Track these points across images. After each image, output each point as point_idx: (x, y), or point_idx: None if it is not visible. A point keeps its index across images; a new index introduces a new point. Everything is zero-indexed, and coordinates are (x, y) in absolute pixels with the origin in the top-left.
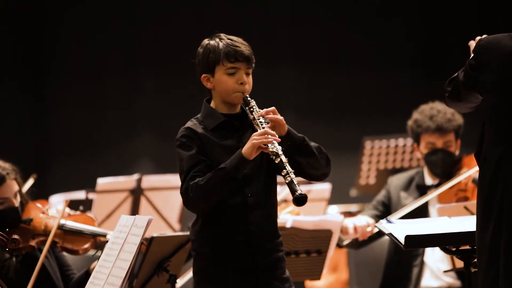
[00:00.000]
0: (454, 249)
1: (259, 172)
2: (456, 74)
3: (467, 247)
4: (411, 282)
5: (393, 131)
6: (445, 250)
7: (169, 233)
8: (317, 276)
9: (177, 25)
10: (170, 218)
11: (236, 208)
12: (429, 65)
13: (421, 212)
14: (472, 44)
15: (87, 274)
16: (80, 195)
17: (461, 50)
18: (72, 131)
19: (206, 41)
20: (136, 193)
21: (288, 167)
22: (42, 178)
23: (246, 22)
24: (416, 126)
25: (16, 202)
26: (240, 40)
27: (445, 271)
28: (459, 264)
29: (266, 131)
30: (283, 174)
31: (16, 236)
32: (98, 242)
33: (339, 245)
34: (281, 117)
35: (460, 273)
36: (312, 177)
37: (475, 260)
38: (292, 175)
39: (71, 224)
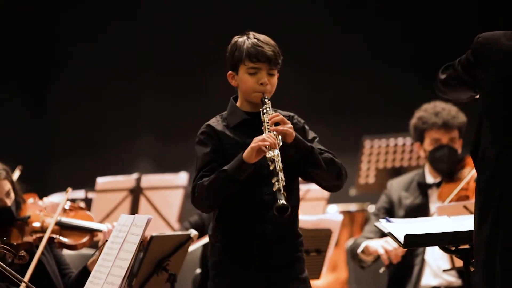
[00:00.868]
0: (453, 248)
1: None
2: (452, 62)
3: (467, 246)
4: (411, 281)
5: (392, 131)
6: (445, 249)
7: (169, 232)
8: (316, 275)
9: (177, 25)
10: (170, 217)
11: (253, 206)
12: (429, 66)
13: (422, 210)
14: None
15: (85, 270)
16: (79, 194)
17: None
18: (72, 131)
19: (235, 38)
20: (136, 192)
21: (280, 175)
22: (42, 177)
23: (246, 22)
24: (421, 123)
25: (9, 201)
26: (267, 40)
27: (444, 270)
28: (459, 263)
29: (267, 136)
30: (273, 181)
31: (23, 253)
32: (96, 238)
33: (362, 267)
34: (288, 127)
35: (460, 272)
36: (323, 187)
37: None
38: (281, 184)
39: (68, 220)
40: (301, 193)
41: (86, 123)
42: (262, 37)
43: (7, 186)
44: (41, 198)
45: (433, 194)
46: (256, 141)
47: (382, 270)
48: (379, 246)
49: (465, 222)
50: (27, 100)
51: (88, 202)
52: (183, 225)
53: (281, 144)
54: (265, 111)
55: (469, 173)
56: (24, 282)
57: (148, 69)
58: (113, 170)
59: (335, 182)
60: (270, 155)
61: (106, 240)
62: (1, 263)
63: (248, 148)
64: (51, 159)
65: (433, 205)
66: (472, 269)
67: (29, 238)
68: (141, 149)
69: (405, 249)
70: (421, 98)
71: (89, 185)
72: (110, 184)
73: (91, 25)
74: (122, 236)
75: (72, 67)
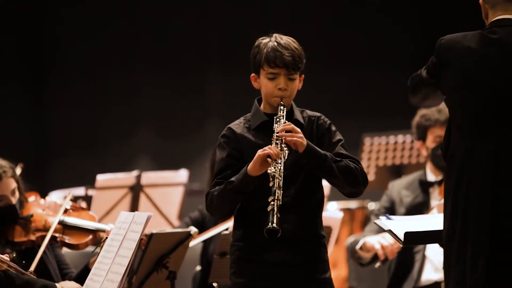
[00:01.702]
0: None
1: (298, 174)
2: (418, 71)
3: None
4: (412, 277)
5: (392, 128)
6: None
7: (169, 229)
8: None
9: (177, 24)
10: (170, 214)
11: None
12: (426, 63)
13: (423, 208)
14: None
15: (86, 269)
16: (79, 191)
17: None
18: (71, 129)
19: (259, 40)
20: (136, 189)
21: (277, 194)
22: (42, 174)
23: (245, 21)
24: (424, 120)
25: (14, 199)
26: (287, 43)
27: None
28: None
29: (269, 147)
30: (269, 199)
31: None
32: (98, 238)
33: (362, 264)
34: (298, 136)
35: None
36: (342, 193)
37: None
38: (276, 204)
39: (71, 220)
40: None
41: (86, 122)
42: (284, 40)
43: (13, 184)
44: (42, 196)
45: (435, 192)
46: (258, 153)
47: (377, 265)
48: (376, 241)
49: None
50: (27, 99)
51: (88, 199)
52: (183, 220)
53: (286, 156)
54: (277, 119)
55: None
56: (27, 274)
57: (147, 68)
58: (113, 168)
59: (351, 190)
60: (271, 171)
61: (106, 238)
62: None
63: (252, 161)
64: (51, 157)
65: (435, 204)
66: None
67: (31, 237)
68: (140, 147)
69: (400, 246)
70: None
71: (89, 182)
72: (110, 182)
73: (90, 24)
74: (122, 233)
75: (71, 65)
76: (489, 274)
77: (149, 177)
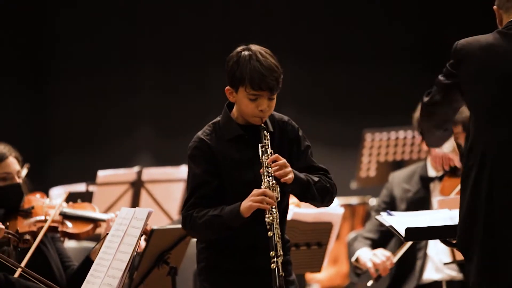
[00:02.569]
0: (454, 241)
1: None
2: (427, 92)
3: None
4: (414, 275)
5: (393, 124)
6: (445, 242)
7: (170, 225)
8: (317, 268)
9: (177, 21)
10: (171, 210)
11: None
12: (429, 58)
13: (424, 204)
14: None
15: (87, 261)
16: (80, 187)
17: None
18: (72, 126)
19: (238, 50)
20: (137, 185)
21: (279, 250)
22: (42, 171)
23: (246, 18)
24: None
25: (19, 181)
26: (270, 65)
27: (445, 263)
28: (460, 256)
29: (265, 192)
30: (271, 254)
31: (27, 237)
32: (98, 233)
33: (358, 274)
34: (287, 171)
35: (460, 265)
36: (314, 205)
37: None
38: (279, 260)
39: (71, 210)
40: None
41: (86, 118)
42: (264, 59)
43: (17, 166)
44: (43, 193)
45: (435, 187)
46: (255, 200)
47: (369, 283)
48: (368, 259)
49: None
50: (28, 95)
51: (89, 195)
52: (180, 218)
53: (279, 198)
54: (263, 149)
55: None
56: (21, 267)
57: (148, 64)
58: (114, 165)
59: (325, 205)
60: (268, 219)
61: (107, 234)
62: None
63: (247, 205)
64: (52, 154)
65: (435, 199)
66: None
67: (32, 228)
68: (141, 144)
69: (394, 262)
70: (422, 91)
71: (89, 178)
72: (111, 177)
73: (91, 20)
74: (123, 229)
75: (72, 62)
76: None
77: (150, 173)
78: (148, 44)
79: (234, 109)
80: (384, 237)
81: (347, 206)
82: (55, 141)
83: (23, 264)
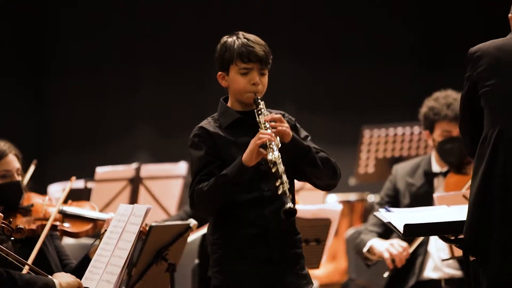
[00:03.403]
0: (453, 238)
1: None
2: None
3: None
4: (414, 272)
5: (391, 120)
6: (444, 238)
7: (168, 222)
8: (316, 264)
9: (177, 20)
10: (169, 207)
11: (252, 202)
12: (428, 56)
13: (427, 199)
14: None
15: (86, 259)
16: (79, 184)
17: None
18: (72, 124)
19: (224, 38)
20: (135, 182)
21: (284, 178)
22: (42, 169)
23: (246, 16)
24: (432, 114)
25: (19, 178)
26: (257, 40)
27: (443, 260)
28: (458, 252)
29: (261, 132)
30: (277, 184)
31: (21, 226)
32: (99, 227)
33: (368, 265)
34: (285, 126)
35: (459, 262)
36: (317, 186)
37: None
38: (286, 186)
39: (71, 209)
40: (301, 183)
41: (86, 117)
42: (252, 36)
43: (17, 163)
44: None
45: (439, 183)
46: (253, 142)
47: (386, 274)
48: (384, 249)
49: (465, 212)
50: (27, 93)
51: (87, 192)
52: (182, 209)
53: (280, 145)
54: (259, 112)
55: None
56: (28, 264)
57: (147, 64)
58: (113, 164)
59: (330, 181)
60: (271, 157)
61: (105, 230)
62: (4, 248)
63: (247, 151)
64: (51, 152)
65: (435, 195)
66: (472, 259)
67: (32, 226)
68: (140, 142)
69: (410, 253)
70: (421, 88)
71: (88, 175)
72: (109, 174)
73: (91, 19)
74: (121, 225)
75: (72, 60)
76: None
77: (148, 169)
78: (147, 44)
79: (229, 99)
80: (389, 230)
81: (346, 203)
82: (54, 140)
83: (29, 261)
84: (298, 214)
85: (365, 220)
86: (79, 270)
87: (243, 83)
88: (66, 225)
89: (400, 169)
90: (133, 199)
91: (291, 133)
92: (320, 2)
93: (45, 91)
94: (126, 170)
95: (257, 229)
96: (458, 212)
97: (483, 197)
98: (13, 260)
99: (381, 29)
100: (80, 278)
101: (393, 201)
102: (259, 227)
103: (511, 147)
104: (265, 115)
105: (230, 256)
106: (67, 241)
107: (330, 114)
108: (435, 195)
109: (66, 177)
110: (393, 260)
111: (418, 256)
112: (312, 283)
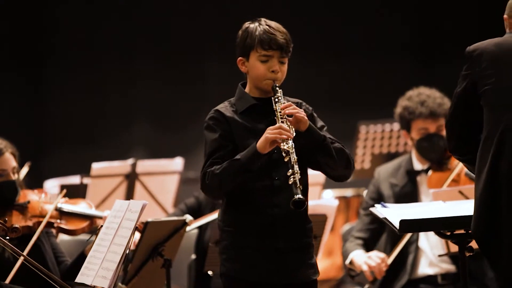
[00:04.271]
0: (448, 233)
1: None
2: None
3: (462, 231)
4: (406, 269)
5: (387, 116)
6: (440, 234)
7: (164, 218)
8: None
9: (174, 15)
10: (165, 203)
11: (262, 191)
12: (424, 51)
13: (412, 197)
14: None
15: (82, 256)
16: (75, 180)
17: (455, 37)
18: (68, 120)
19: (246, 24)
20: (131, 178)
21: (296, 168)
22: (38, 164)
23: (243, 10)
24: (407, 113)
25: (14, 177)
26: (278, 27)
27: (439, 255)
28: (454, 248)
29: (281, 126)
30: (288, 173)
31: (16, 225)
32: (95, 225)
33: (352, 276)
34: (302, 114)
35: (454, 258)
36: (330, 176)
37: (470, 244)
38: (297, 177)
39: (67, 206)
40: None
41: (83, 113)
42: (274, 24)
43: (13, 162)
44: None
45: (422, 180)
46: (271, 132)
47: (366, 287)
48: (363, 262)
49: (461, 207)
50: (24, 89)
51: (83, 187)
52: (179, 207)
53: (294, 134)
54: (277, 99)
55: (458, 164)
56: (23, 255)
57: (144, 59)
58: (109, 159)
59: (343, 172)
60: (284, 146)
61: (102, 226)
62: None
63: (262, 138)
64: (47, 148)
65: (423, 192)
66: (468, 254)
67: (28, 222)
68: (137, 138)
69: (389, 264)
70: (417, 83)
71: (84, 171)
72: (105, 170)
73: (88, 14)
74: (117, 221)
75: (69, 56)
76: None
77: (144, 165)
78: (144, 39)
79: (247, 85)
80: (375, 235)
81: (342, 198)
82: (51, 135)
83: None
84: None
85: None
86: (74, 268)
87: (263, 70)
88: (63, 223)
89: (382, 171)
90: (129, 195)
91: (308, 122)
92: None
93: (41, 87)
94: (122, 166)
95: (266, 218)
96: (454, 208)
97: (491, 197)
98: (11, 252)
99: (378, 26)
100: (75, 276)
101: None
102: (268, 215)
103: None
104: (282, 103)
105: (238, 244)
106: (63, 237)
107: (326, 110)
108: (430, 192)
109: (62, 173)
110: (372, 272)
111: (409, 254)
112: (318, 273)
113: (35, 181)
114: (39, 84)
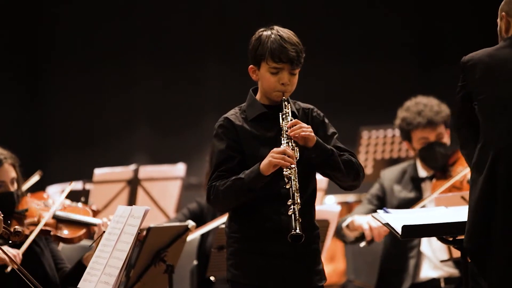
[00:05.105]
0: (451, 239)
1: (296, 165)
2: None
3: (464, 236)
4: (408, 274)
5: (389, 121)
6: (442, 240)
7: (166, 223)
8: None
9: (173, 18)
10: (167, 208)
11: (270, 199)
12: (425, 54)
13: (415, 204)
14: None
15: (80, 265)
16: (77, 185)
17: (456, 39)
18: (69, 124)
19: (259, 31)
20: (133, 183)
21: (296, 198)
22: (39, 169)
23: (242, 13)
24: (405, 124)
25: (13, 188)
26: (290, 38)
27: (442, 261)
28: (457, 253)
29: (285, 151)
30: (288, 203)
31: (19, 229)
32: (92, 232)
33: (345, 242)
34: (308, 131)
35: (457, 263)
36: (340, 186)
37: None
38: (296, 208)
39: (64, 214)
40: None
41: (83, 117)
42: (286, 34)
43: (13, 173)
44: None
45: (426, 187)
46: (275, 157)
47: (362, 244)
48: (364, 221)
49: (463, 213)
50: (23, 93)
51: (86, 193)
52: (181, 212)
53: (298, 157)
54: (284, 116)
55: (462, 171)
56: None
57: (145, 63)
58: (111, 164)
59: (352, 183)
60: (286, 172)
61: (103, 232)
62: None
63: (266, 161)
64: (49, 151)
65: (427, 201)
66: (470, 260)
67: (26, 230)
68: (138, 142)
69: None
70: (419, 88)
71: (86, 177)
72: (108, 176)
73: (87, 17)
74: (120, 227)
75: (69, 59)
76: None
77: (146, 171)
78: (145, 42)
79: (258, 92)
80: None
81: (344, 204)
82: (52, 140)
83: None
84: None
85: None
86: (72, 276)
87: (273, 81)
88: (60, 232)
89: (387, 174)
90: (132, 201)
91: (315, 138)
92: (318, 1)
93: (42, 92)
94: (124, 171)
95: (273, 225)
96: (456, 213)
97: (487, 206)
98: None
99: (379, 28)
100: (74, 283)
101: (381, 201)
102: (275, 223)
103: (510, 157)
104: (288, 121)
105: (244, 250)
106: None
107: (328, 115)
108: (433, 196)
109: (64, 179)
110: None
111: (410, 259)
112: (325, 279)
113: (37, 187)
114: (39, 90)
